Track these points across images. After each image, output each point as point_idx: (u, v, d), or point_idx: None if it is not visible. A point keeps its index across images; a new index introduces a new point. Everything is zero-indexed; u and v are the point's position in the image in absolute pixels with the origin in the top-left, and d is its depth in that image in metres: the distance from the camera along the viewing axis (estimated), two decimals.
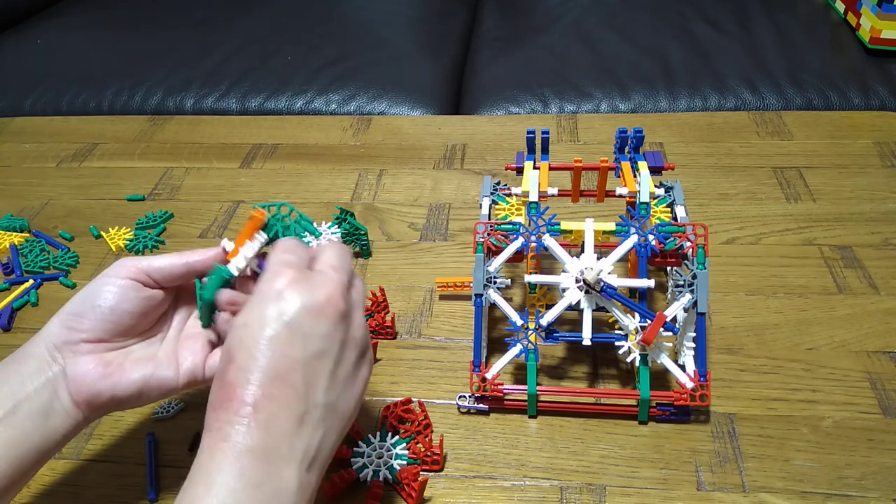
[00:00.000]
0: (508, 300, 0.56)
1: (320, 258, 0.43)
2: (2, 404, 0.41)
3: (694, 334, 0.52)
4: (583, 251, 0.53)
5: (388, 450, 0.53)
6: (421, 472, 0.51)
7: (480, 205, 0.61)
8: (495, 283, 0.55)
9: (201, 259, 0.47)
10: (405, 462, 0.52)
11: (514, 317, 0.54)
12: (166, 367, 0.46)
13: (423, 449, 0.52)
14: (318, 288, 0.39)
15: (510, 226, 0.55)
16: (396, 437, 0.54)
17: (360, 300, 0.43)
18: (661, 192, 0.59)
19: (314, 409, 0.38)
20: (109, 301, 0.44)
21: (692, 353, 0.53)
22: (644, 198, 0.57)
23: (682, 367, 0.54)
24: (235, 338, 0.38)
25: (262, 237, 0.47)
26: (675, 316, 0.52)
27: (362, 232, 0.71)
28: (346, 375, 0.40)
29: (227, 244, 0.47)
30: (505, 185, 0.63)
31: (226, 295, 0.45)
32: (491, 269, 0.55)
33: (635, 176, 0.60)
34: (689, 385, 0.52)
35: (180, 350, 0.47)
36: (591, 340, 0.51)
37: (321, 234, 0.50)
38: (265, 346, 0.37)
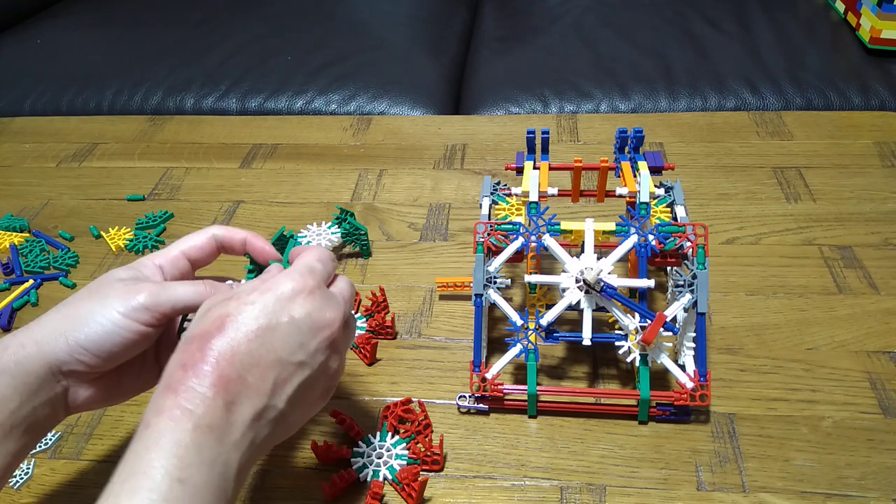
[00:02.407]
0: (508, 300, 0.56)
1: (336, 283, 0.45)
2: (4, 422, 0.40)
3: (694, 334, 0.52)
4: (583, 251, 0.53)
5: (388, 450, 0.53)
6: (421, 472, 0.51)
7: (480, 205, 0.61)
8: (495, 283, 0.55)
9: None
10: (405, 462, 0.52)
11: (514, 317, 0.54)
12: (150, 371, 0.47)
13: (423, 449, 0.52)
14: (328, 308, 0.41)
15: (510, 226, 0.55)
16: (396, 437, 0.54)
17: (350, 340, 0.45)
18: (661, 192, 0.59)
19: (272, 409, 0.38)
20: (126, 348, 0.42)
21: (692, 353, 0.53)
22: (644, 198, 0.57)
23: (682, 367, 0.54)
24: (234, 310, 0.38)
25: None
26: (675, 316, 0.52)
27: (362, 232, 0.71)
28: (309, 398, 0.41)
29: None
30: (505, 185, 0.63)
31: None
32: (491, 269, 0.55)
33: (635, 176, 0.60)
34: (689, 385, 0.52)
35: (160, 353, 0.48)
36: (591, 340, 0.51)
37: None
38: (259, 333, 0.38)
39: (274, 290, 0.40)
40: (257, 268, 0.52)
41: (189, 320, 0.47)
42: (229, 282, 0.49)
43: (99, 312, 0.41)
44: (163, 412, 0.35)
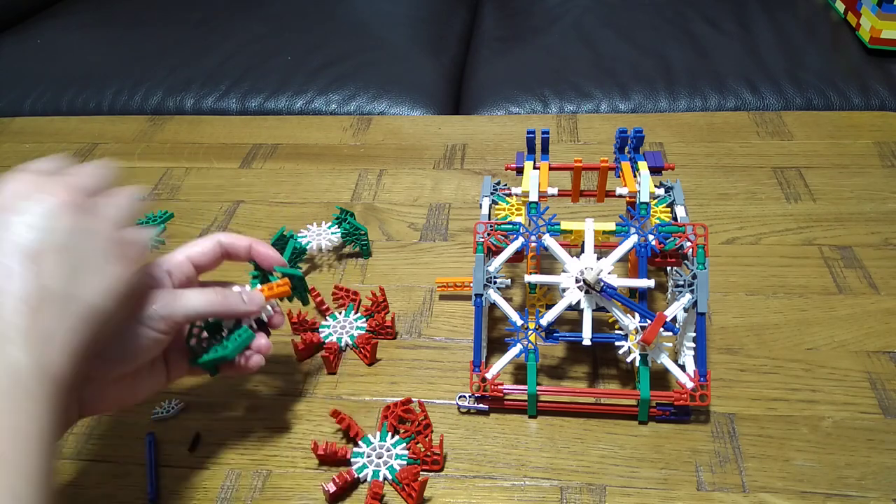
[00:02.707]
0: (508, 300, 0.56)
1: (75, 172, 0.43)
2: None
3: (694, 334, 0.52)
4: (583, 251, 0.53)
5: (388, 450, 0.53)
6: (421, 472, 0.51)
7: (480, 205, 0.61)
8: (495, 283, 0.55)
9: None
10: (405, 462, 0.52)
11: (514, 317, 0.54)
12: (160, 372, 0.48)
13: (423, 449, 0.52)
14: (49, 186, 0.41)
15: (510, 226, 0.55)
16: (396, 437, 0.54)
17: (117, 208, 0.42)
18: (661, 192, 0.59)
19: (51, 296, 0.37)
20: (141, 354, 0.43)
21: (692, 353, 0.53)
22: (644, 198, 0.57)
23: (682, 367, 0.54)
24: None
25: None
26: (675, 316, 0.52)
27: (362, 232, 0.71)
28: (89, 267, 0.39)
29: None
30: (505, 185, 0.63)
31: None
32: (491, 269, 0.55)
33: (635, 176, 0.60)
34: (689, 385, 0.52)
35: (169, 356, 0.48)
36: (591, 340, 0.51)
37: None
38: None
39: None
40: (261, 273, 0.52)
41: (198, 326, 0.48)
42: (236, 287, 0.49)
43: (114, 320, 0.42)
44: None
